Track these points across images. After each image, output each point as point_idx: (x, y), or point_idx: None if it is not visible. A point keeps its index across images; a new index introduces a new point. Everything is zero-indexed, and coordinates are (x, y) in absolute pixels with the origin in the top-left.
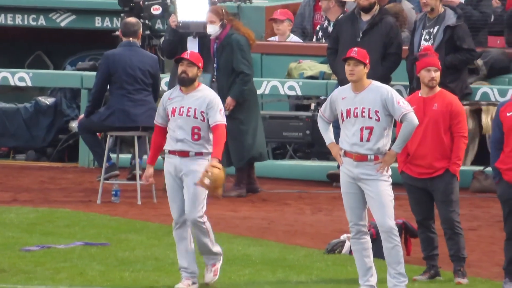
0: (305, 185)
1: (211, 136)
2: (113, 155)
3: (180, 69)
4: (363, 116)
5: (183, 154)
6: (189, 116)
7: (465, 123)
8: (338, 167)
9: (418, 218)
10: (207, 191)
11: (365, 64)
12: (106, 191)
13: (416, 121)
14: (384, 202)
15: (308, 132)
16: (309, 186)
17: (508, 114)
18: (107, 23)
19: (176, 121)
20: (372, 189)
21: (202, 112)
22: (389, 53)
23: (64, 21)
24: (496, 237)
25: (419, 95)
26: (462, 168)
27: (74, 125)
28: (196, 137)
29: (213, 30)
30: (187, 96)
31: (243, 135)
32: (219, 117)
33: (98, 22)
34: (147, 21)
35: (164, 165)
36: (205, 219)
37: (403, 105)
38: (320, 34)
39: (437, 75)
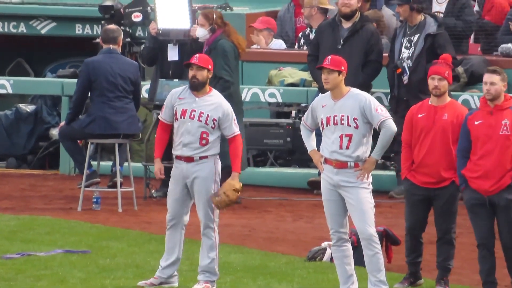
0: (286, 192)
1: (217, 139)
2: (94, 163)
3: (191, 73)
4: (342, 124)
5: (189, 159)
6: (201, 121)
7: None
8: (319, 174)
9: (409, 226)
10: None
11: (339, 72)
12: (87, 198)
13: (394, 128)
14: (364, 210)
15: (288, 139)
16: (290, 193)
17: (476, 123)
18: (87, 30)
19: (185, 124)
20: (353, 197)
21: (214, 119)
22: (369, 60)
23: (44, 28)
24: None
25: (429, 103)
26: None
27: (54, 132)
28: (204, 142)
29: (201, 33)
30: (200, 100)
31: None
32: (235, 128)
33: (78, 29)
34: (127, 28)
35: (172, 170)
36: (215, 227)
37: (381, 112)
38: (302, 41)
39: (441, 84)
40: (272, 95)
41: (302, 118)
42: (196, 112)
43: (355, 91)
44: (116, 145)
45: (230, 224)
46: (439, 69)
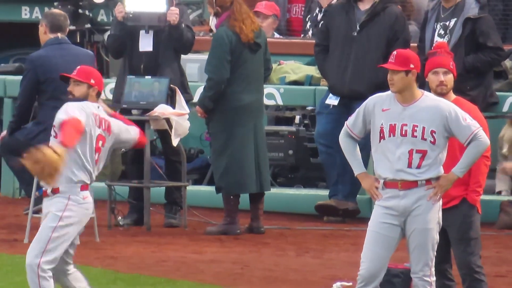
0: (287, 219)
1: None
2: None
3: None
4: (414, 136)
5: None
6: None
7: None
8: (330, 196)
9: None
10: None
11: (408, 71)
12: (35, 227)
13: (487, 139)
14: (427, 246)
15: (291, 152)
16: (293, 220)
17: None
18: (36, 14)
19: None
20: (419, 227)
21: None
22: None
23: None
24: None
25: None
26: (485, 197)
27: None
28: None
29: (212, 22)
30: None
31: (213, 154)
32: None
33: (25, 13)
34: (87, 12)
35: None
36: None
37: (471, 122)
38: (308, 25)
39: (447, 78)
40: (270, 96)
41: (346, 123)
42: None
43: (431, 96)
44: None
45: (218, 260)
46: (442, 61)
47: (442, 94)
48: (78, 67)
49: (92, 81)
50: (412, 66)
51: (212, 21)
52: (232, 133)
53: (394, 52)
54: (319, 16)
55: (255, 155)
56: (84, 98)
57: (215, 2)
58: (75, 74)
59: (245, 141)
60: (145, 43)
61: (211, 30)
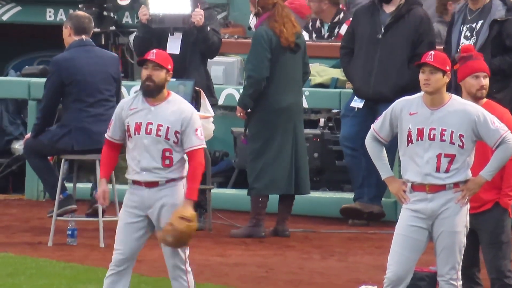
0: (312, 222)
1: (183, 158)
2: (68, 185)
3: (145, 73)
4: (442, 140)
5: (151, 184)
6: (160, 136)
7: None
8: (355, 200)
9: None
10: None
11: (444, 72)
12: (60, 230)
13: None
14: (454, 249)
15: (316, 155)
16: (318, 223)
17: None
18: (61, 16)
19: (140, 141)
20: (447, 229)
21: (176, 132)
22: (418, 54)
23: (6, 13)
24: None
25: None
26: None
27: (18, 146)
28: (167, 162)
29: (252, 22)
30: (156, 109)
31: (250, 155)
32: (196, 140)
33: (50, 15)
34: (112, 14)
35: (125, 197)
36: (188, 267)
37: (499, 126)
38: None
39: (486, 82)
40: None
41: (372, 126)
42: (153, 125)
43: (459, 99)
44: (98, 163)
45: (242, 263)
46: (482, 65)
47: (480, 98)
48: (155, 50)
49: (170, 67)
50: (448, 68)
51: (252, 21)
52: (270, 135)
53: (432, 52)
54: (323, 30)
55: (292, 157)
56: (163, 84)
57: (258, 3)
58: (154, 58)
59: (283, 143)
60: (173, 46)
61: (249, 28)
